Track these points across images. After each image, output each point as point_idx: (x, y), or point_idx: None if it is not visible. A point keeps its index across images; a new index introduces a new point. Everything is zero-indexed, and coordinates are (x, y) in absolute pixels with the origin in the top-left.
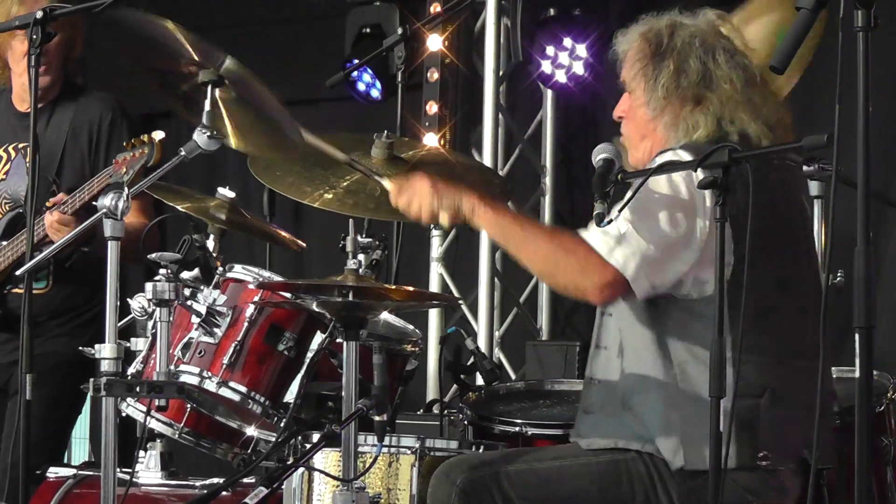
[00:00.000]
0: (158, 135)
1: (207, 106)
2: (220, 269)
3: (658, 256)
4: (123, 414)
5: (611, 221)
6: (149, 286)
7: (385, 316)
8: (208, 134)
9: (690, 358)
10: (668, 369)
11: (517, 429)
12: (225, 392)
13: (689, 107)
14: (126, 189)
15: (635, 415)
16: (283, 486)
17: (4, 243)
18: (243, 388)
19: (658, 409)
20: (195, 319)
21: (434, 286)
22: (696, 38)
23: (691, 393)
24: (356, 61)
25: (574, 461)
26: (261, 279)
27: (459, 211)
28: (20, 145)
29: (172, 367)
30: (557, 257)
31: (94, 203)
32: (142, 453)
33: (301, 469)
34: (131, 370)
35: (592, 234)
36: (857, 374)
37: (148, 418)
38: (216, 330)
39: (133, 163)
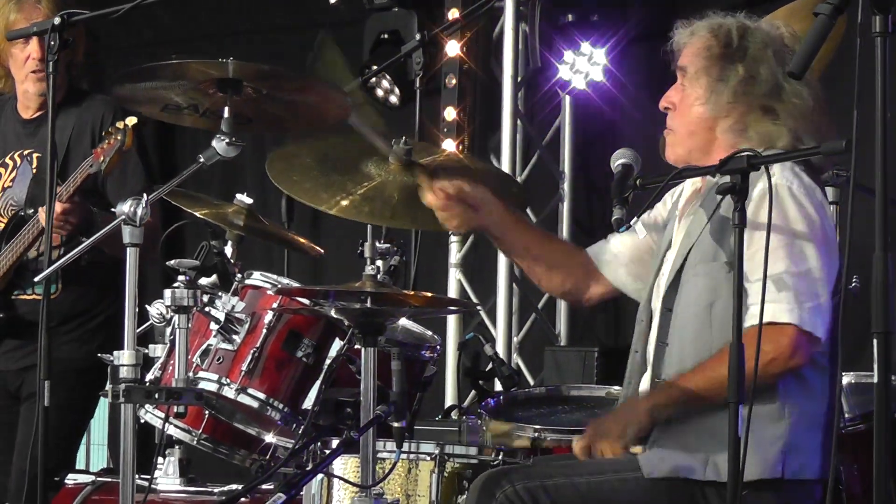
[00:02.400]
0: (131, 120)
1: (226, 113)
2: (239, 275)
3: (823, 294)
4: (142, 420)
5: (630, 227)
6: (167, 293)
7: (403, 322)
8: (227, 141)
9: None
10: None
11: (536, 435)
12: (243, 399)
13: (755, 114)
14: (145, 196)
15: (704, 426)
16: (301, 493)
17: (6, 247)
18: (262, 395)
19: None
20: (214, 326)
21: (452, 292)
22: (769, 46)
23: (795, 396)
24: (374, 67)
25: (613, 476)
26: (279, 286)
27: (643, 429)
28: (25, 152)
29: (191, 374)
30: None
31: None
32: (160, 460)
33: (320, 475)
34: (149, 377)
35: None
36: (875, 379)
37: (166, 425)
38: (235, 336)
39: (108, 150)
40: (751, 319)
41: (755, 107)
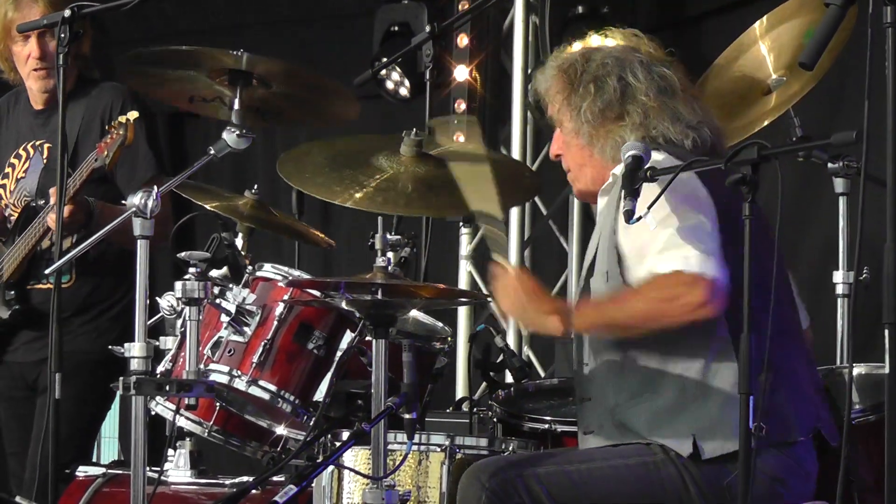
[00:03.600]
0: (132, 115)
1: (237, 105)
2: (250, 267)
3: (717, 248)
4: (153, 412)
5: (640, 218)
6: (178, 285)
7: (414, 314)
8: (237, 133)
9: (699, 356)
10: (673, 372)
11: (547, 426)
12: (254, 391)
13: (615, 124)
14: (155, 188)
15: (631, 430)
16: (312, 485)
17: (18, 238)
18: (273, 387)
19: (661, 412)
20: (224, 318)
21: (463, 284)
22: (609, 58)
23: (702, 388)
24: (384, 60)
25: (604, 463)
26: (290, 278)
27: (545, 329)
28: (37, 143)
29: (202, 366)
30: (654, 305)
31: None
32: (171, 452)
33: (331, 467)
34: (160, 369)
35: (665, 261)
36: (886, 370)
37: (177, 417)
38: (246, 329)
39: (111, 145)
40: (659, 267)
41: (612, 117)
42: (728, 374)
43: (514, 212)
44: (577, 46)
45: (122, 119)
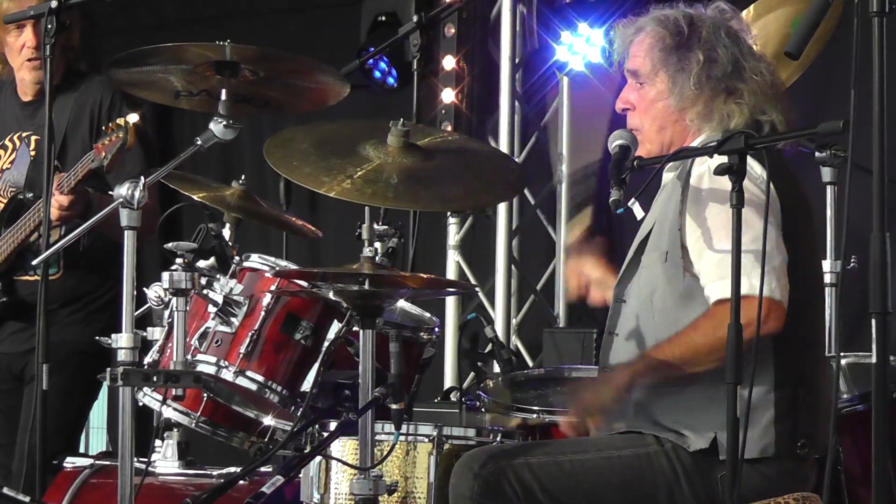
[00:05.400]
0: (132, 118)
1: (223, 96)
2: (237, 258)
3: (779, 263)
4: (140, 403)
5: (627, 209)
6: (165, 275)
7: (402, 304)
8: (224, 123)
9: None
10: None
11: (534, 416)
12: (242, 381)
13: (721, 97)
14: (142, 179)
15: (646, 410)
16: (300, 475)
17: (7, 230)
18: (260, 378)
19: (687, 400)
20: (212, 309)
21: (451, 274)
22: (720, 28)
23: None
24: (372, 49)
25: (597, 454)
26: (277, 268)
27: (622, 400)
28: (24, 134)
29: (189, 357)
30: (717, 337)
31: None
32: (158, 443)
33: (318, 458)
34: (148, 360)
35: (722, 287)
36: (873, 360)
37: (164, 408)
38: (233, 319)
39: (110, 147)
40: (715, 294)
41: (720, 90)
42: (763, 378)
43: None
44: (674, 9)
45: (121, 122)
